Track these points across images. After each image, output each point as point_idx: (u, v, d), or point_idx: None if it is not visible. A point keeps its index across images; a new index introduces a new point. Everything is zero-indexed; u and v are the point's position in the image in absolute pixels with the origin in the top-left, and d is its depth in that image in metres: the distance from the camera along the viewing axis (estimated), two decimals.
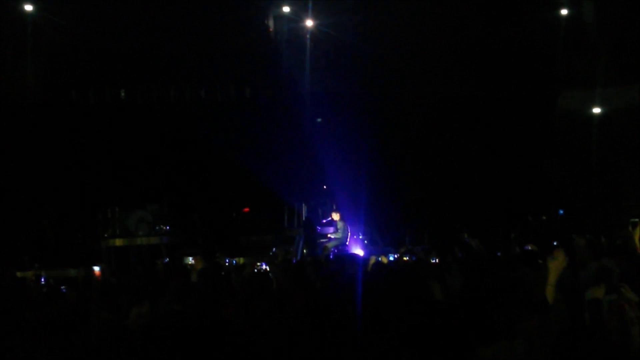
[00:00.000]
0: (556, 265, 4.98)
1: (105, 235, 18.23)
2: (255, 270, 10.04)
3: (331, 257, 13.98)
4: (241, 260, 15.33)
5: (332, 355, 4.54)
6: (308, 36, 21.22)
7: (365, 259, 11.45)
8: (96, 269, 8.36)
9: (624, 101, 20.32)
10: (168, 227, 18.65)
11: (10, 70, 19.90)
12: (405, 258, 14.18)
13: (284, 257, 12.40)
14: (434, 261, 12.03)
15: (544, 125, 21.13)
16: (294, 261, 11.10)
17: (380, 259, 12.38)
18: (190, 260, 14.17)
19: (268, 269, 10.37)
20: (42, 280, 11.59)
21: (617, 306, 5.28)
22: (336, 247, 16.96)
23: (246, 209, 21.24)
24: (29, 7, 19.32)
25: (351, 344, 4.98)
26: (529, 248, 10.50)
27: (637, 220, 9.32)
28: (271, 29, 21.25)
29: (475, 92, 20.73)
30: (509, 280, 7.64)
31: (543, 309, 5.61)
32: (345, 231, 17.40)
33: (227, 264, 15.15)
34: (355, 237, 17.89)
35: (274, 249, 16.34)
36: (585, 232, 11.79)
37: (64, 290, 9.08)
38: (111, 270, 12.45)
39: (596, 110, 20.84)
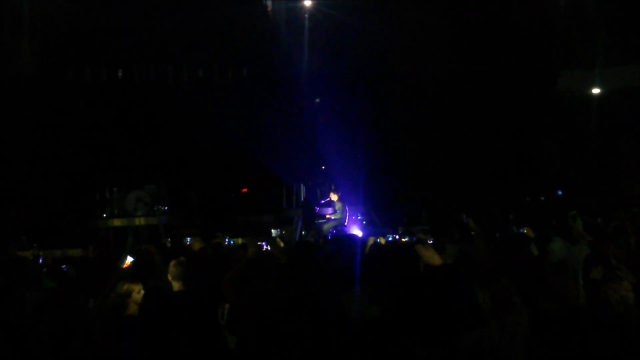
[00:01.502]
0: None
1: (104, 215, 18.22)
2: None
3: (329, 237, 14.00)
4: (239, 240, 15.33)
5: (330, 336, 4.54)
6: (306, 16, 21.11)
7: (363, 240, 11.47)
8: (129, 259, 8.33)
9: (623, 82, 20.28)
10: (166, 208, 18.64)
11: (6, 48, 19.78)
12: (404, 239, 14.21)
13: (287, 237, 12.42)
14: (431, 242, 12.04)
15: (543, 105, 21.09)
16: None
17: (378, 239, 12.41)
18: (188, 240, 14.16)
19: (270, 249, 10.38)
20: (40, 260, 11.62)
21: (613, 288, 5.30)
22: (334, 227, 16.97)
23: (244, 190, 21.22)
24: None
25: (349, 327, 4.99)
26: (524, 231, 10.52)
27: (637, 210, 9.34)
28: (269, 9, 21.13)
29: (475, 71, 20.67)
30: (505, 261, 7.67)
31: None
32: (343, 212, 17.41)
33: (226, 243, 15.21)
34: (353, 217, 17.90)
35: (275, 230, 16.37)
36: (582, 213, 11.80)
37: (65, 270, 9.11)
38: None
39: (596, 90, 20.79)
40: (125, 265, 8.66)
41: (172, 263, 7.06)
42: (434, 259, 4.85)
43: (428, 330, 4.03)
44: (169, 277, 6.99)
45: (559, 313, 4.79)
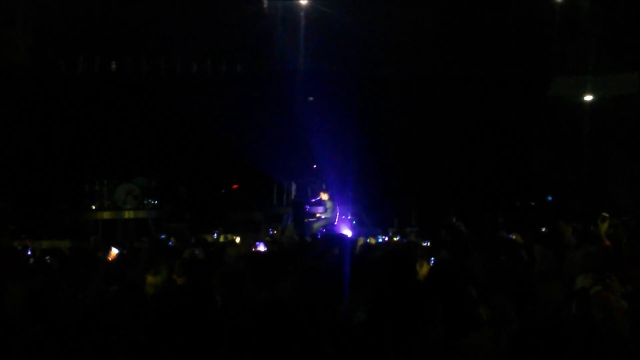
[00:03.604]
0: None
1: (93, 207, 18.17)
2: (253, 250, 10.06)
3: (319, 237, 14.00)
4: (230, 236, 15.31)
5: (320, 334, 4.54)
6: (302, 14, 21.10)
7: (353, 240, 11.48)
8: (114, 250, 8.31)
9: (615, 89, 20.36)
10: (156, 202, 18.61)
11: None
12: (395, 239, 14.22)
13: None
14: (425, 244, 12.07)
15: (535, 111, 21.15)
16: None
17: (368, 240, 12.44)
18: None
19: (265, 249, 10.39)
20: (29, 251, 11.56)
21: (601, 297, 5.31)
22: (324, 227, 16.97)
23: (235, 186, 21.20)
24: None
25: (339, 325, 4.99)
26: (513, 237, 10.56)
27: (607, 215, 9.39)
28: (265, 6, 21.10)
29: (467, 75, 20.71)
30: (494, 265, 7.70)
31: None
32: (333, 211, 17.41)
33: (215, 238, 15.22)
34: (343, 217, 17.90)
35: (271, 230, 16.39)
36: (572, 220, 11.84)
37: (48, 261, 9.08)
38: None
39: (587, 97, 20.87)
40: (110, 257, 8.65)
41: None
42: None
43: (415, 336, 4.04)
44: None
45: (548, 322, 4.80)
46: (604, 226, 9.11)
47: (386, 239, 14.60)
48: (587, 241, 8.62)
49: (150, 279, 6.57)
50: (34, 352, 4.18)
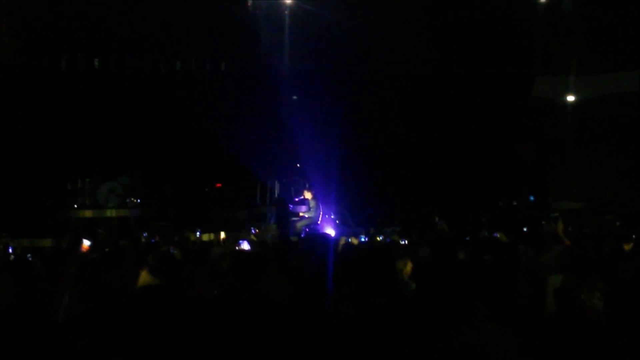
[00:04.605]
0: None
1: (75, 206, 18.05)
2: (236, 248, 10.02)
3: (302, 236, 13.99)
4: (211, 235, 15.28)
5: (304, 335, 4.53)
6: (286, 12, 21.07)
7: (335, 240, 11.47)
8: (86, 242, 8.22)
9: (598, 90, 20.48)
10: (138, 200, 18.52)
11: None
12: (378, 238, 14.23)
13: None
14: (403, 242, 12.10)
15: (518, 111, 21.24)
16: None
17: (350, 239, 12.44)
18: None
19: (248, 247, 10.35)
20: (10, 249, 11.49)
21: (579, 295, 5.35)
22: (307, 226, 16.96)
23: (218, 184, 21.14)
24: None
25: (324, 325, 4.98)
26: (497, 235, 10.60)
27: (557, 215, 9.48)
28: (249, 4, 21.06)
29: (452, 75, 20.77)
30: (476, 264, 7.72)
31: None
32: (317, 210, 17.39)
33: (197, 236, 15.19)
34: (327, 216, 17.89)
35: (254, 229, 16.34)
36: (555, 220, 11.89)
37: (29, 259, 9.01)
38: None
39: (571, 97, 20.98)
40: (83, 249, 8.56)
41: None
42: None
43: (406, 330, 4.05)
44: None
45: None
46: (560, 226, 9.21)
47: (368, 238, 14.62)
48: (557, 242, 8.65)
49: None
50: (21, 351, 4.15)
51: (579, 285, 5.60)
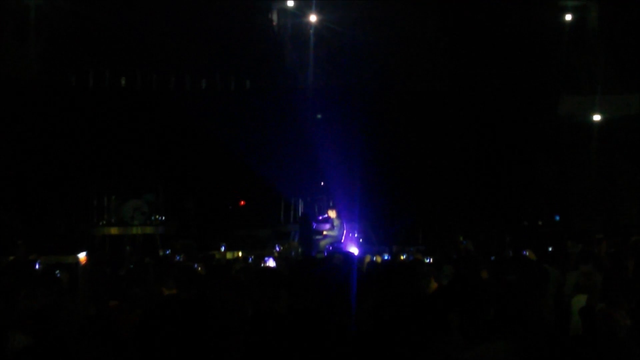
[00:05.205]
0: None
1: (101, 223, 18.21)
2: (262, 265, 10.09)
3: (325, 254, 13.99)
4: (236, 253, 15.35)
5: (326, 353, 4.54)
6: (311, 31, 21.20)
7: (360, 258, 11.48)
8: (81, 255, 8.30)
9: (624, 109, 20.35)
10: (163, 218, 18.64)
11: (10, 52, 19.81)
12: (402, 257, 14.20)
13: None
14: (428, 261, 12.07)
15: (543, 129, 21.15)
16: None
17: (375, 258, 12.44)
18: None
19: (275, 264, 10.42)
20: (37, 265, 11.58)
21: (606, 314, 5.31)
22: (331, 244, 16.95)
23: (242, 202, 21.22)
24: None
25: (345, 343, 4.99)
26: (526, 254, 10.53)
27: (601, 236, 9.40)
28: (275, 23, 21.23)
29: (476, 93, 20.74)
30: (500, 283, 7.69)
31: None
32: (341, 229, 17.37)
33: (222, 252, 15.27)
34: (350, 235, 17.87)
35: (278, 246, 16.40)
36: (579, 240, 11.82)
37: (58, 275, 9.10)
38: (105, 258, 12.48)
39: (596, 117, 20.86)
40: (82, 261, 8.61)
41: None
42: None
43: (422, 344, 4.05)
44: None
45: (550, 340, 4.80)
46: (604, 247, 9.15)
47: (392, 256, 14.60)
48: (584, 262, 8.58)
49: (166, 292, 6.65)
50: None
51: (612, 305, 5.57)
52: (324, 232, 17.67)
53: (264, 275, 7.01)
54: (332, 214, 17.63)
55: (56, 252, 14.81)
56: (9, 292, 6.13)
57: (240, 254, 13.48)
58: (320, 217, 18.36)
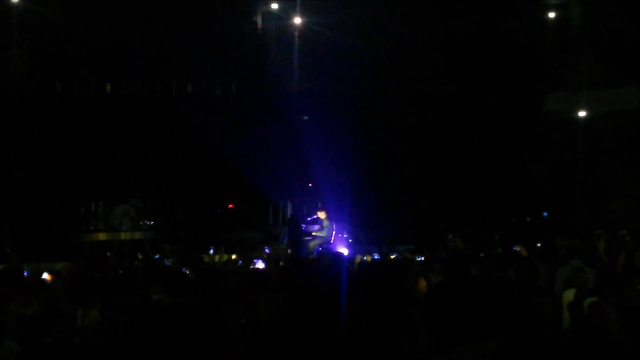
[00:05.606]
0: None
1: (90, 229, 18.16)
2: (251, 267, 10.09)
3: (315, 255, 13.98)
4: (225, 256, 15.32)
5: (318, 354, 4.55)
6: (296, 34, 21.20)
7: (350, 258, 11.48)
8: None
9: (609, 105, 20.44)
10: (152, 222, 18.61)
11: None
12: (392, 256, 14.21)
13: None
14: (419, 259, 12.09)
15: (530, 127, 21.22)
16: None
17: (365, 258, 12.45)
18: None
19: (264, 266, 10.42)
20: (25, 273, 11.52)
21: (598, 308, 5.32)
22: (320, 245, 16.94)
23: (231, 205, 21.19)
24: None
25: (336, 344, 4.99)
26: (517, 249, 10.56)
27: (600, 232, 9.45)
28: (259, 26, 21.22)
29: (462, 92, 20.79)
30: (490, 280, 7.71)
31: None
32: (330, 230, 17.36)
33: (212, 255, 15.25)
34: (340, 235, 17.86)
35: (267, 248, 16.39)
36: (567, 235, 11.85)
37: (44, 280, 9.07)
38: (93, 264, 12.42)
39: (582, 113, 20.95)
40: (48, 278, 8.59)
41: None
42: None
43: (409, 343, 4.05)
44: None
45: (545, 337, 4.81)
46: (602, 244, 9.17)
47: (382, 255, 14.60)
48: (573, 256, 8.61)
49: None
50: None
51: (605, 299, 5.59)
52: (313, 233, 17.65)
53: (254, 279, 7.01)
54: (321, 215, 17.61)
55: (44, 259, 14.73)
56: (0, 300, 6.09)
57: (229, 256, 13.45)
58: (309, 218, 18.34)
